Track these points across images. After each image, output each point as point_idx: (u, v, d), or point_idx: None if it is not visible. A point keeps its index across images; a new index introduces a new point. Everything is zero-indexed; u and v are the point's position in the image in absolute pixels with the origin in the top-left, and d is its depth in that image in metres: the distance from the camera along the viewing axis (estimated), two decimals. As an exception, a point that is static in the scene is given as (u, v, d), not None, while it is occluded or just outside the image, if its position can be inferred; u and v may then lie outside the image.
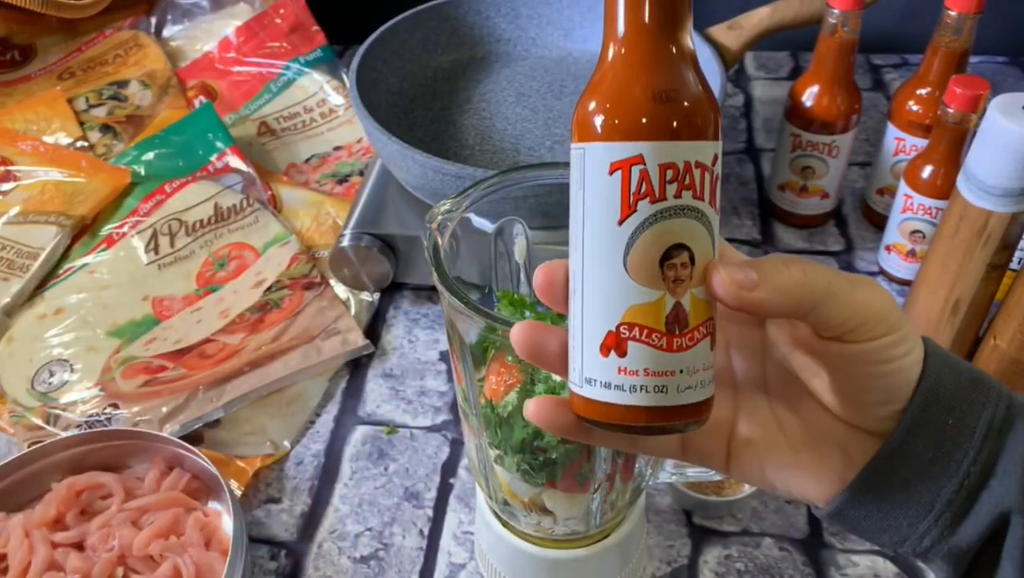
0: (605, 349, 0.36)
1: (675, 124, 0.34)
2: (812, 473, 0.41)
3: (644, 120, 0.33)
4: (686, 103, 0.34)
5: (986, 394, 0.39)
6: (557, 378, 0.51)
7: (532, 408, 0.39)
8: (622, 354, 0.36)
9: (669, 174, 0.34)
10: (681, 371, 0.36)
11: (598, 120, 0.34)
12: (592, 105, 0.35)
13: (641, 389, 0.36)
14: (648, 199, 0.34)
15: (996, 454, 0.38)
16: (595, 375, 0.37)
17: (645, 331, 0.35)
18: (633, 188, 0.34)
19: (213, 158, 1.06)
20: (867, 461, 0.40)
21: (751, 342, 0.43)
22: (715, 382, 0.38)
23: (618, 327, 0.35)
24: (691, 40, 0.35)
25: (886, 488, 0.39)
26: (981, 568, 0.40)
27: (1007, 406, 0.39)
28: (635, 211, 0.34)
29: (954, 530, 0.39)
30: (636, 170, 0.34)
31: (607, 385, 0.36)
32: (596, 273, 0.36)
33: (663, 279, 0.35)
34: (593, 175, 0.35)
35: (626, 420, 0.37)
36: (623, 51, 0.35)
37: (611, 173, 0.34)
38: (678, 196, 0.34)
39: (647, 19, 0.34)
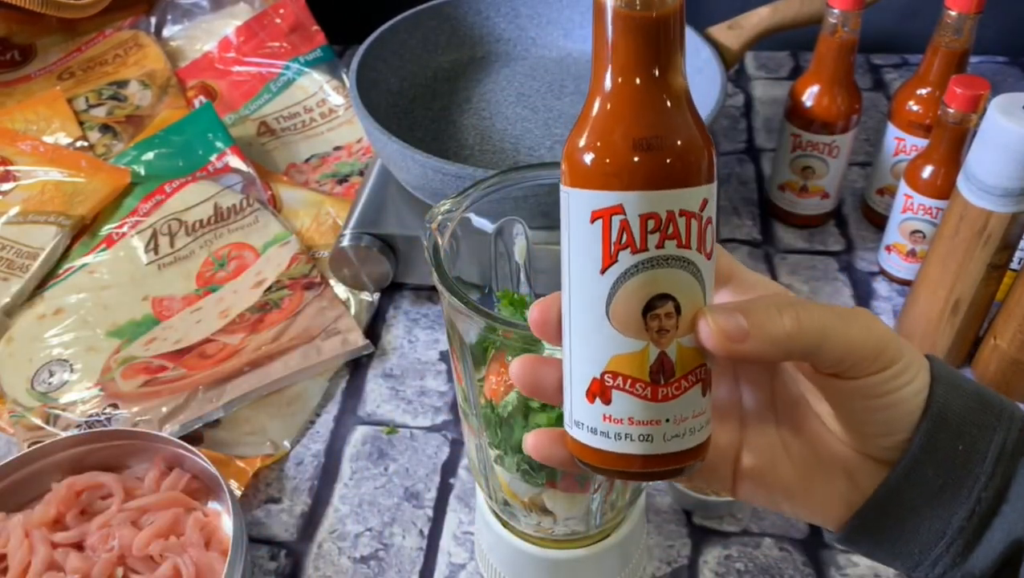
0: (591, 395, 0.35)
1: (657, 174, 0.32)
2: (819, 499, 0.41)
3: (624, 170, 0.32)
4: (670, 150, 0.32)
5: (997, 417, 0.38)
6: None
7: (530, 442, 0.40)
8: (607, 402, 0.35)
9: (651, 224, 0.33)
10: (668, 420, 0.35)
11: (580, 166, 0.33)
12: (575, 150, 0.34)
13: (626, 437, 0.35)
14: (629, 249, 0.33)
15: (1008, 479, 0.38)
16: (583, 419, 0.36)
17: (629, 381, 0.35)
18: (614, 238, 0.33)
19: (213, 158, 1.06)
20: (874, 489, 0.39)
21: (758, 368, 0.43)
22: (718, 414, 0.38)
23: (603, 375, 0.35)
24: (683, 78, 0.33)
25: (895, 517, 0.39)
26: None
27: (1020, 428, 0.38)
28: (616, 261, 0.33)
29: (966, 557, 0.38)
30: (616, 220, 0.33)
31: (594, 430, 0.36)
32: (581, 319, 0.35)
33: (646, 329, 0.34)
34: (576, 221, 0.34)
35: (613, 465, 0.36)
36: (606, 95, 0.33)
37: (592, 221, 0.33)
38: (660, 246, 0.33)
39: (631, 63, 0.33)
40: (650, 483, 0.61)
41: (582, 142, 0.33)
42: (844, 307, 0.37)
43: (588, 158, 0.33)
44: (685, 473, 0.37)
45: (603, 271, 0.34)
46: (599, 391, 0.35)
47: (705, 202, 0.33)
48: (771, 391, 0.43)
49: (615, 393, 0.35)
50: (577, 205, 0.34)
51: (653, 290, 0.33)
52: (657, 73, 0.33)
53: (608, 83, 0.33)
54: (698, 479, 0.43)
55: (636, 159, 0.32)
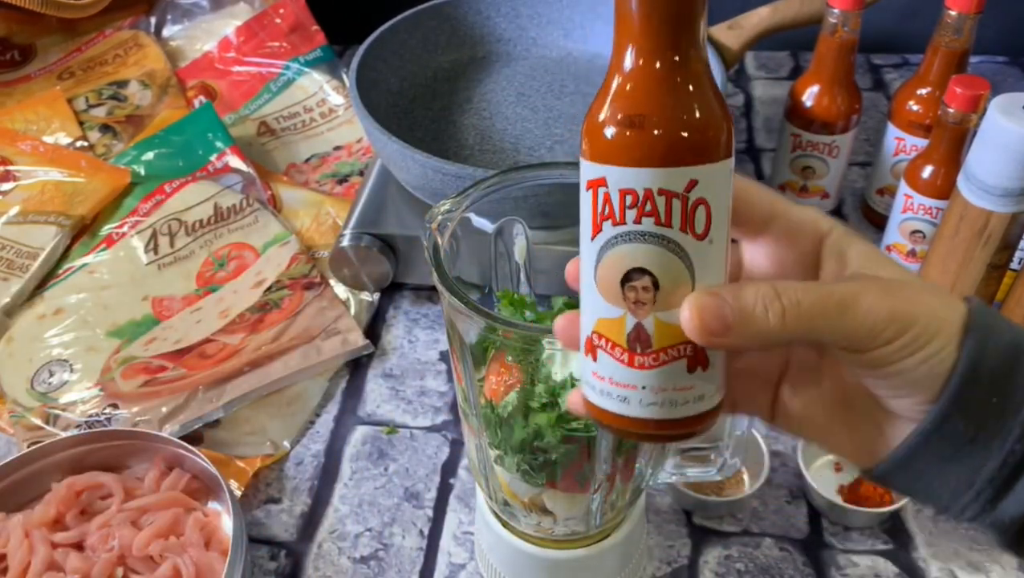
0: (586, 351, 0.38)
1: (636, 151, 0.33)
2: (847, 442, 0.42)
3: (607, 144, 0.34)
4: (655, 130, 0.33)
5: None
6: (557, 378, 0.51)
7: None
8: (594, 360, 0.37)
9: (628, 200, 0.34)
10: (644, 387, 0.36)
11: (583, 137, 0.35)
12: (586, 120, 0.35)
13: (607, 394, 0.37)
14: (610, 221, 0.34)
15: None
16: (581, 371, 0.39)
17: (610, 344, 0.36)
18: (599, 208, 0.35)
19: (213, 158, 1.06)
20: (903, 440, 0.39)
21: None
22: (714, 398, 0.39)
23: (592, 334, 0.37)
24: (687, 57, 0.33)
25: (923, 465, 0.39)
26: None
27: None
28: (601, 230, 0.35)
29: (996, 505, 0.38)
30: (601, 192, 0.34)
31: (586, 382, 0.38)
32: (582, 280, 0.37)
33: (624, 299, 0.35)
34: (581, 189, 0.36)
35: (597, 416, 0.38)
36: (609, 72, 0.34)
37: (586, 190, 0.35)
38: (638, 222, 0.34)
39: (626, 41, 0.33)
40: (653, 482, 0.61)
41: (589, 113, 0.35)
42: (851, 285, 0.36)
43: (588, 130, 0.35)
44: (665, 441, 0.38)
45: (592, 238, 0.35)
46: (590, 348, 0.37)
47: (692, 183, 0.33)
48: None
49: (599, 352, 0.37)
50: (582, 174, 0.35)
51: (630, 263, 0.35)
52: (649, 51, 0.33)
53: (612, 59, 0.34)
54: (741, 407, 0.44)
55: (619, 135, 0.33)
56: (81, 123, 1.14)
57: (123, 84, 1.20)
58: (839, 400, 0.42)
